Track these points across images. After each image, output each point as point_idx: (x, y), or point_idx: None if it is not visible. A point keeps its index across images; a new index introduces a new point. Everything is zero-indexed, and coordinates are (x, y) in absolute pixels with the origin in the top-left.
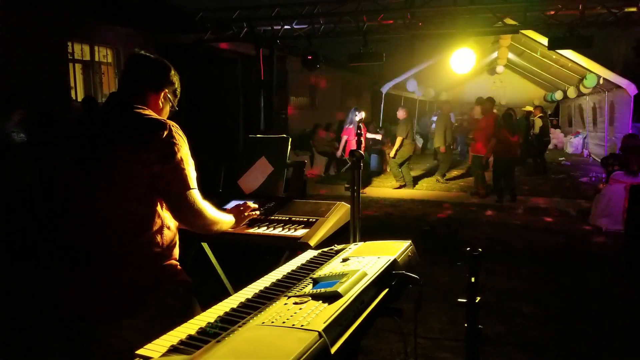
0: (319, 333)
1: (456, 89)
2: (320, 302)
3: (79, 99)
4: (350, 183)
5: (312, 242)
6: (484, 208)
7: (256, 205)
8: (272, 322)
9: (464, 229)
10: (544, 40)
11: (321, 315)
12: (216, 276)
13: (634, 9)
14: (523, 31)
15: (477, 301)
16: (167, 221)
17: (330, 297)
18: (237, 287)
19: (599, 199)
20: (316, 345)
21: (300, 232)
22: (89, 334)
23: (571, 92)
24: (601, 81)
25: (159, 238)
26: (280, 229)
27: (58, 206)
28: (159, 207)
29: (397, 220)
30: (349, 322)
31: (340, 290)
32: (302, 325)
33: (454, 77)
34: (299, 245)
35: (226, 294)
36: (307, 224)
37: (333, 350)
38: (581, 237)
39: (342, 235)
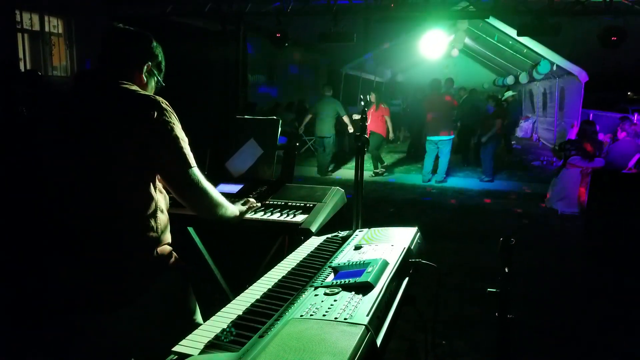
0: (366, 326)
1: (411, 70)
2: (353, 293)
3: None
4: (355, 168)
5: (314, 228)
6: (444, 191)
7: (257, 204)
8: (311, 315)
9: (428, 211)
10: (503, 26)
11: (359, 307)
12: (201, 261)
13: None
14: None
15: (508, 290)
16: (161, 204)
17: (363, 288)
18: (224, 273)
19: (555, 183)
20: (366, 339)
21: (300, 217)
22: (83, 325)
23: (523, 78)
24: (554, 67)
25: (153, 222)
26: (278, 214)
27: (47, 192)
28: (152, 189)
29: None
30: (384, 314)
31: (370, 280)
32: (345, 319)
33: (409, 59)
34: (299, 231)
35: (214, 280)
36: (305, 209)
37: (378, 343)
38: (539, 219)
39: (338, 221)
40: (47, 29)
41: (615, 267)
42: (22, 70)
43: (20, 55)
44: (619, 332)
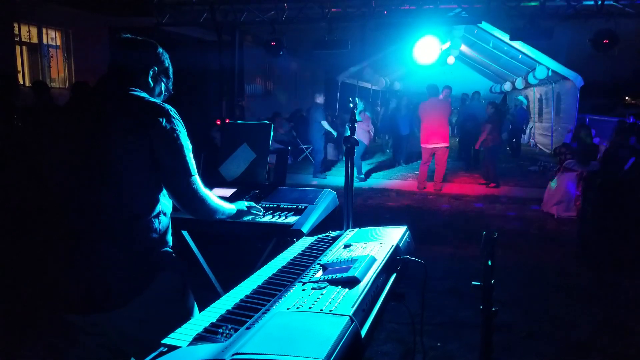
0: (350, 317)
1: (407, 79)
2: (340, 287)
3: (27, 84)
4: (345, 169)
5: (305, 229)
6: (441, 197)
7: (260, 213)
8: (298, 307)
9: (424, 217)
10: (498, 32)
11: (345, 300)
12: (196, 264)
13: (591, 2)
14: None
15: (492, 283)
16: (164, 207)
17: (349, 282)
18: (218, 275)
19: (551, 187)
20: (350, 329)
21: (292, 219)
22: (82, 324)
23: (519, 84)
24: (550, 73)
25: (156, 224)
26: (270, 216)
27: (53, 194)
28: (158, 192)
29: (357, 209)
30: (369, 307)
31: (357, 275)
32: (330, 310)
33: (405, 68)
34: (291, 233)
35: (208, 282)
36: (297, 211)
37: (363, 334)
38: (535, 223)
39: (330, 222)
40: (45, 42)
41: (609, 270)
42: (21, 82)
43: (19, 67)
44: (612, 335)
